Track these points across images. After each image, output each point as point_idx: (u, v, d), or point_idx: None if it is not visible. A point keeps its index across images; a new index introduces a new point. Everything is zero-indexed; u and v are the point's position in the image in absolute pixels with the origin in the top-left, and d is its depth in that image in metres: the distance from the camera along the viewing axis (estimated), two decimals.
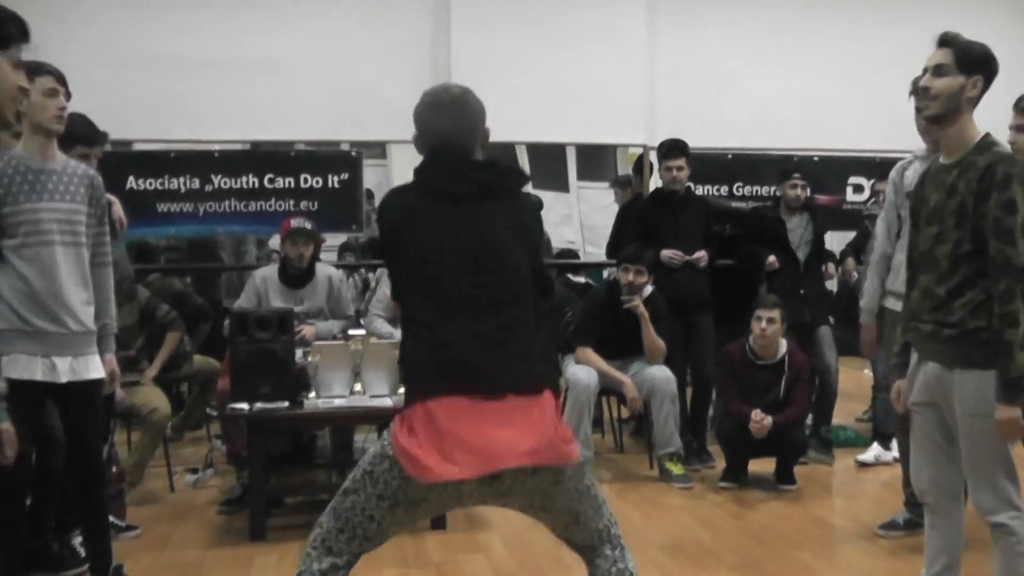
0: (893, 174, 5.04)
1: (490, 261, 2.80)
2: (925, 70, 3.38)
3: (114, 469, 5.18)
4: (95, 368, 4.03)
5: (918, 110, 4.63)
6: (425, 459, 2.62)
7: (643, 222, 6.81)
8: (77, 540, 4.60)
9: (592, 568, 3.00)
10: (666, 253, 6.57)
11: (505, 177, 2.89)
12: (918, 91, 3.48)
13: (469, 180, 2.83)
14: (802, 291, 6.75)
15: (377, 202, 9.73)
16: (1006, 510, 3.31)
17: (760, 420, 5.75)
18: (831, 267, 7.09)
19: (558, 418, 2.82)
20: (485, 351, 2.75)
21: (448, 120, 2.86)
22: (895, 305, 4.79)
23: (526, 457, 2.67)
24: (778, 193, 6.99)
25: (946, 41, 3.33)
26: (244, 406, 5.09)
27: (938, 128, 3.42)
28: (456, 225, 2.80)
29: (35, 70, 3.83)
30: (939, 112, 3.33)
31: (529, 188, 2.95)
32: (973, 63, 3.29)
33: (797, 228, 6.82)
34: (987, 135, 3.35)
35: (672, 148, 6.67)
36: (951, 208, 3.29)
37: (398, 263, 2.85)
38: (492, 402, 2.69)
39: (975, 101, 3.33)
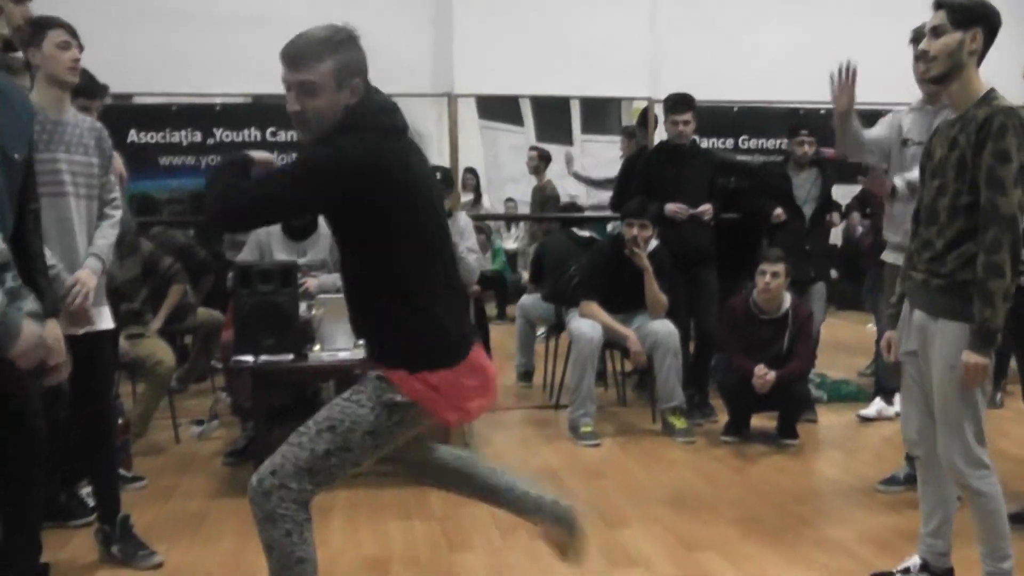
0: (891, 116, 5.04)
1: (439, 203, 3.01)
2: (924, 34, 3.41)
3: (119, 420, 5.21)
4: (106, 319, 4.05)
5: (916, 59, 4.63)
6: (454, 408, 2.93)
7: (647, 175, 6.78)
8: (85, 491, 4.64)
9: None
10: (671, 207, 6.54)
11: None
12: (920, 55, 3.50)
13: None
14: (807, 247, 6.74)
15: None
16: (976, 469, 3.36)
17: (763, 375, 5.75)
18: (835, 217, 7.08)
19: None
20: (465, 303, 3.07)
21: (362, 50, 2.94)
22: (896, 259, 4.80)
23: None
24: (787, 148, 6.97)
25: (939, 3, 3.37)
26: (248, 358, 5.09)
27: (943, 87, 3.44)
28: (422, 166, 2.97)
29: (47, 24, 3.86)
30: (941, 72, 3.37)
31: None
32: (969, 18, 3.32)
33: (805, 184, 6.81)
34: (991, 90, 3.36)
35: (679, 102, 6.63)
36: (952, 161, 3.33)
37: (389, 213, 2.80)
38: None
39: (977, 54, 3.35)
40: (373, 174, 2.74)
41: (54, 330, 3.40)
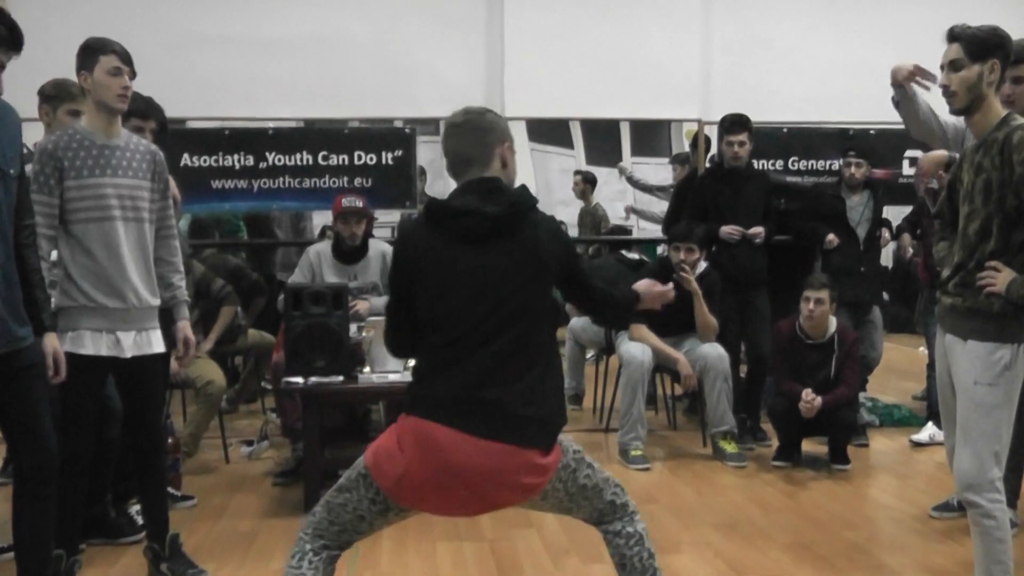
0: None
1: (494, 296, 2.84)
2: (942, 67, 3.45)
3: (169, 440, 5.26)
4: (157, 342, 4.08)
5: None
6: (400, 486, 2.82)
7: (702, 197, 6.75)
8: (134, 509, 4.69)
9: (603, 535, 3.14)
10: (725, 229, 6.52)
11: (511, 214, 2.89)
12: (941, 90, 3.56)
13: (480, 217, 2.85)
14: (862, 268, 6.70)
15: (430, 179, 9.79)
16: (987, 491, 3.36)
17: (811, 401, 5.70)
18: (885, 233, 7.04)
19: (545, 454, 2.84)
20: (482, 391, 2.78)
21: (457, 140, 2.97)
22: None
23: (488, 509, 2.94)
24: (842, 170, 6.97)
25: (954, 36, 3.42)
26: (299, 380, 5.13)
27: (966, 118, 3.49)
28: (467, 261, 2.87)
29: (100, 48, 3.88)
30: (963, 105, 3.43)
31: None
32: (985, 49, 3.37)
33: (858, 206, 6.76)
34: (1009, 114, 3.41)
35: (735, 123, 6.61)
36: (979, 186, 3.38)
37: (413, 294, 2.92)
38: (479, 441, 2.76)
39: (996, 83, 3.41)
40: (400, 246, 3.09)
41: (52, 343, 3.49)
